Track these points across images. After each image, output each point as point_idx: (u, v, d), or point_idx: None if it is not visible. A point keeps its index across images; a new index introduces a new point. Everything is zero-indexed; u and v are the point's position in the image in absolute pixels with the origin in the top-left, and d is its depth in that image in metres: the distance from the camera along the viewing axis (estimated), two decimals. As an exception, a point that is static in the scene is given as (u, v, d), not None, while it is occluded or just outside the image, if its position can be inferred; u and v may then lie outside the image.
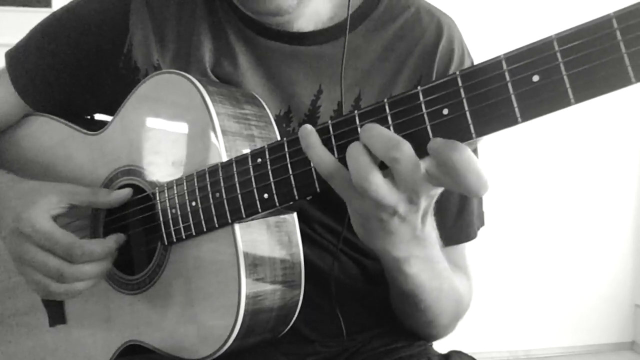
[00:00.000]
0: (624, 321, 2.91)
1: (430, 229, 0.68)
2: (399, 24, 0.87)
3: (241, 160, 0.69)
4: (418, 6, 0.89)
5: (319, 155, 0.60)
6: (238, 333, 0.71)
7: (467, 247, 0.92)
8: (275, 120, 0.81)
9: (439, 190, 0.61)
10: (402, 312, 0.86)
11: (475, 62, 0.90)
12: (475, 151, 0.55)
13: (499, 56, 0.52)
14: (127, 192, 0.80)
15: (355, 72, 0.84)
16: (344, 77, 0.81)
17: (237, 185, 0.69)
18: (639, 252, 2.91)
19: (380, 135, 0.56)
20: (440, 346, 0.91)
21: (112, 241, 0.78)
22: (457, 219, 0.89)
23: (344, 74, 0.80)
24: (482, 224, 0.94)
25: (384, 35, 0.86)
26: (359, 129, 0.59)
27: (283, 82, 0.85)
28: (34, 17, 0.96)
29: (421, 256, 0.70)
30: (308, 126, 0.61)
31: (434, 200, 0.63)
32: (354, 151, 0.58)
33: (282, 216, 0.76)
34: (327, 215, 0.84)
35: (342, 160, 0.59)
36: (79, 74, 0.91)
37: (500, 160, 2.33)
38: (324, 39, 0.85)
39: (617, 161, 2.85)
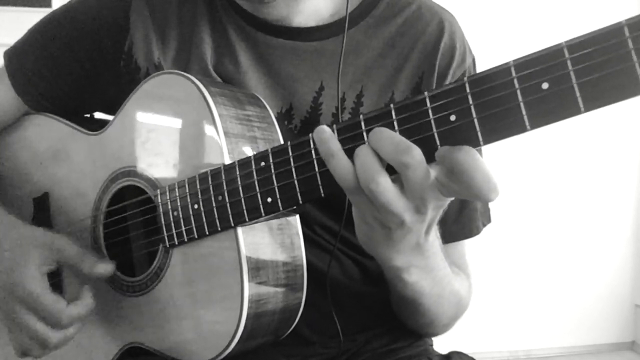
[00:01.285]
0: (624, 321, 2.92)
1: (434, 238, 0.68)
2: (400, 21, 0.87)
3: (244, 163, 0.68)
4: (420, 3, 0.88)
5: (343, 166, 0.57)
6: (240, 336, 0.71)
7: (467, 246, 0.92)
8: (276, 118, 0.80)
9: (447, 201, 0.60)
10: (402, 313, 0.86)
11: (477, 59, 0.90)
12: (479, 152, 0.55)
13: (508, 63, 0.51)
14: (111, 267, 0.79)
15: (356, 69, 0.84)
16: (345, 73, 0.80)
17: (240, 188, 0.68)
18: (639, 252, 2.91)
19: (390, 138, 0.55)
20: (441, 346, 0.91)
21: (89, 299, 0.77)
22: (459, 215, 0.89)
23: (345, 70, 0.80)
24: (488, 220, 0.93)
25: (385, 32, 0.86)
26: (364, 134, 0.58)
27: (284, 79, 0.84)
28: (34, 17, 0.95)
29: (421, 265, 0.69)
30: (327, 130, 0.59)
31: (441, 212, 0.62)
32: (362, 153, 0.56)
33: (284, 219, 0.75)
34: (327, 216, 0.84)
35: None
36: (78, 74, 0.90)
37: (500, 160, 2.31)
38: (325, 34, 0.85)
39: (617, 162, 2.85)
